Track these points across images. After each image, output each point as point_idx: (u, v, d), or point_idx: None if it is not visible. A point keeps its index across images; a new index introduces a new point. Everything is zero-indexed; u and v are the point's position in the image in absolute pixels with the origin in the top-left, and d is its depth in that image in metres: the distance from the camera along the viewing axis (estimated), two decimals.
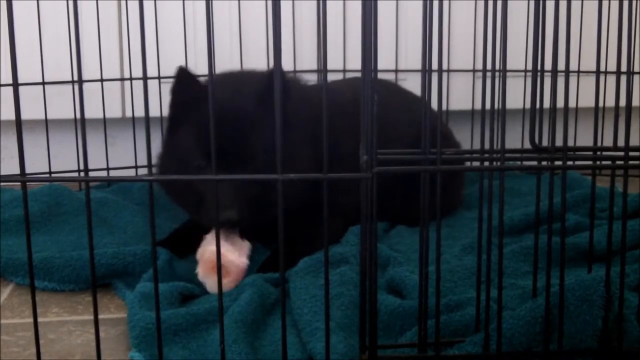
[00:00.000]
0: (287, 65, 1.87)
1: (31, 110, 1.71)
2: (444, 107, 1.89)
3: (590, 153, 0.91)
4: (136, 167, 1.80)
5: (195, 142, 1.22)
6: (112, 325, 1.07)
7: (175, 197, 1.30)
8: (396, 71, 1.93)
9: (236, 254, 1.15)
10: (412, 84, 1.84)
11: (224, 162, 1.13)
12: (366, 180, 0.82)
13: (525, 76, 1.87)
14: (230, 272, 1.13)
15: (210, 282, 1.14)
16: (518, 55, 1.83)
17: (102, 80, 1.77)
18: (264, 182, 1.18)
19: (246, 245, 1.20)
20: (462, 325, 0.95)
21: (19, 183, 0.79)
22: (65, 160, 1.83)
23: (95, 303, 0.81)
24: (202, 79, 1.25)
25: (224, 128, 1.16)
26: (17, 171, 0.80)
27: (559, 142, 0.87)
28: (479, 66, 1.90)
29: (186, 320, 1.01)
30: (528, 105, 0.89)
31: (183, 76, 1.22)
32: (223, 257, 1.12)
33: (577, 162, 0.90)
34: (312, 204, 1.10)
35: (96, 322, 0.81)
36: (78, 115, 1.67)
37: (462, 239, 1.35)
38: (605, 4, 0.92)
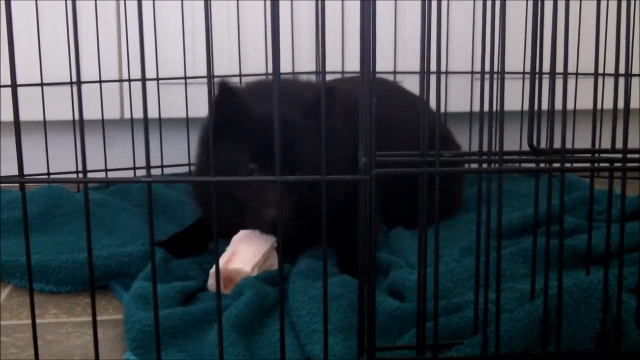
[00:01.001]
0: (285, 66, 1.87)
1: (30, 112, 1.71)
2: (442, 109, 1.89)
3: (589, 155, 0.91)
4: (134, 168, 1.80)
5: (242, 149, 1.24)
6: (111, 327, 1.07)
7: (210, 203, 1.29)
8: (394, 73, 1.93)
9: (246, 270, 1.16)
10: (411, 86, 1.84)
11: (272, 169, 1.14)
12: (365, 182, 0.82)
13: (524, 78, 1.87)
14: (235, 282, 1.14)
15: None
16: (516, 57, 1.83)
17: (100, 81, 1.77)
18: (311, 186, 1.20)
19: (260, 251, 1.20)
20: (460, 328, 0.94)
21: (18, 184, 0.79)
22: (63, 161, 1.82)
23: (94, 304, 0.81)
24: (241, 86, 1.26)
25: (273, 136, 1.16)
26: (16, 172, 0.80)
27: (557, 144, 0.87)
28: (478, 68, 1.91)
29: (183, 321, 1.01)
30: (526, 107, 0.89)
31: (225, 89, 1.23)
32: (229, 271, 1.14)
33: (575, 165, 0.90)
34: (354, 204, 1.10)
35: (94, 323, 0.81)
36: (76, 117, 1.67)
37: (461, 241, 1.35)
38: (603, 5, 0.92)
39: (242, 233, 1.22)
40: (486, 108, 0.85)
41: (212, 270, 1.16)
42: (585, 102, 1.80)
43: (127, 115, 1.84)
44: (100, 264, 1.21)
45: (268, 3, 1.86)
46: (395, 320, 1.00)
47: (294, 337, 0.99)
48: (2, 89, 1.62)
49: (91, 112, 1.74)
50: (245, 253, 1.18)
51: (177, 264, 1.25)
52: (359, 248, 0.84)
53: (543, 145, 0.89)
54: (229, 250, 1.19)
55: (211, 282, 1.16)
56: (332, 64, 1.91)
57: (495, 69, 0.84)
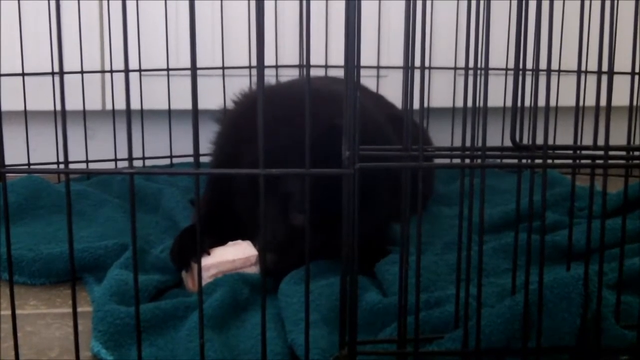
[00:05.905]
0: (269, 60, 1.87)
1: (10, 102, 1.70)
2: (425, 105, 1.89)
3: (570, 152, 0.91)
4: (115, 159, 1.79)
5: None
6: (91, 318, 1.07)
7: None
8: (378, 67, 1.93)
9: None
10: (394, 81, 1.85)
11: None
12: (348, 176, 0.82)
13: (507, 74, 1.88)
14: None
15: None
16: (500, 54, 1.84)
17: (82, 72, 1.76)
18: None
19: (230, 257, 1.16)
20: (441, 322, 0.95)
21: None
22: (44, 152, 1.81)
23: (74, 296, 0.81)
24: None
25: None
26: None
27: (539, 141, 0.87)
28: (461, 64, 1.91)
29: (155, 316, 1.00)
30: (509, 103, 0.89)
31: None
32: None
33: (557, 161, 0.90)
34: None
35: (75, 315, 0.81)
36: (58, 107, 1.66)
37: (444, 236, 1.35)
38: (587, 3, 0.93)
39: (239, 241, 1.18)
40: (469, 104, 0.86)
41: (184, 272, 1.16)
42: (567, 99, 1.81)
43: (108, 106, 1.83)
44: (75, 256, 1.20)
45: None
46: (378, 314, 1.00)
47: (274, 330, 0.98)
48: None
49: (73, 103, 1.73)
50: (217, 254, 1.16)
51: (153, 256, 1.23)
52: (343, 242, 0.83)
53: (525, 141, 0.90)
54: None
55: (187, 283, 1.16)
56: (316, 57, 1.91)
57: (479, 65, 0.84)
